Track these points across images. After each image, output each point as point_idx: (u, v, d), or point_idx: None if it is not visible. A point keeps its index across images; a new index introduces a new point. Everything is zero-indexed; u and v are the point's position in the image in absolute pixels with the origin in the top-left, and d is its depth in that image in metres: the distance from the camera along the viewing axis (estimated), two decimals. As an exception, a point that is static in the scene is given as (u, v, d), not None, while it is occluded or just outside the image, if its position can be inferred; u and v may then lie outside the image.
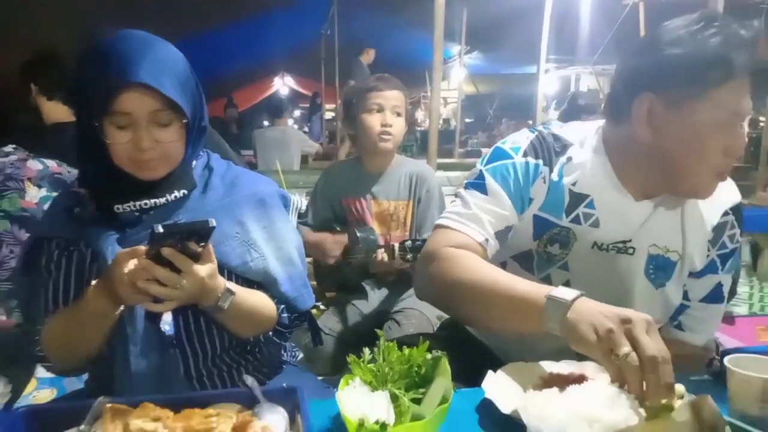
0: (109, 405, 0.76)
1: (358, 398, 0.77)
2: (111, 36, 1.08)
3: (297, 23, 6.95)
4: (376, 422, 0.70)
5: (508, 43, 7.57)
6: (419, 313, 1.89)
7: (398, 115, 1.94)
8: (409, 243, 1.73)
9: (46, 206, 2.10)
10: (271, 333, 1.23)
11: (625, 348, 0.79)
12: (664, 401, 0.76)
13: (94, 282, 1.03)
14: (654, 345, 0.79)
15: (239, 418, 0.75)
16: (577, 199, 1.14)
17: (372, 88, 1.94)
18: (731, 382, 0.86)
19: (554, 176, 1.14)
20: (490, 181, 1.14)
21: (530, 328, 0.93)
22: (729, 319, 2.34)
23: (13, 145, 2.12)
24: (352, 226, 1.92)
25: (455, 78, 9.15)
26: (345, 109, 2.08)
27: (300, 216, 1.54)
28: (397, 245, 1.76)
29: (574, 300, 0.88)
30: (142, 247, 0.97)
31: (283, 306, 1.23)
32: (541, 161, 1.15)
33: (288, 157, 5.18)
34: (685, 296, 1.20)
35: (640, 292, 1.15)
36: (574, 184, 1.14)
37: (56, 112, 2.52)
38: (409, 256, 1.71)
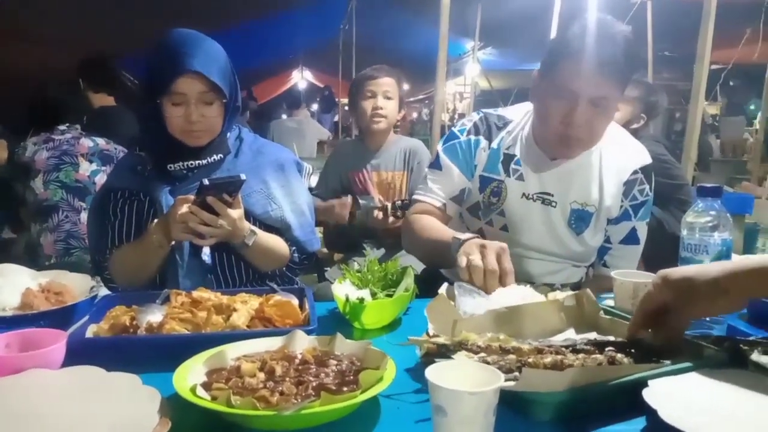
0: (174, 290, 1.10)
1: (346, 290, 1.10)
2: (167, 35, 1.41)
3: (317, 19, 7.10)
4: (357, 298, 1.03)
5: (521, 39, 7.72)
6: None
7: (389, 98, 2.29)
8: (399, 203, 2.13)
9: (96, 178, 2.48)
10: (284, 268, 1.56)
11: (472, 257, 1.14)
12: None
13: (155, 221, 1.36)
14: (492, 261, 1.13)
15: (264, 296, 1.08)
16: (509, 158, 1.50)
17: (367, 77, 2.29)
18: (614, 286, 1.17)
19: (494, 145, 1.52)
20: (444, 158, 1.55)
21: (449, 259, 1.26)
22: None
23: (67, 124, 2.48)
24: (356, 195, 2.26)
25: (469, 73, 9.35)
26: (349, 97, 2.46)
27: (311, 189, 1.89)
28: (389, 204, 2.12)
29: (466, 240, 1.23)
30: (192, 197, 1.30)
31: (294, 248, 1.56)
32: (481, 137, 1.52)
33: (305, 144, 5.53)
34: (608, 240, 1.52)
35: (565, 237, 1.48)
36: (507, 148, 1.50)
37: (101, 100, 2.96)
38: (399, 213, 2.08)
